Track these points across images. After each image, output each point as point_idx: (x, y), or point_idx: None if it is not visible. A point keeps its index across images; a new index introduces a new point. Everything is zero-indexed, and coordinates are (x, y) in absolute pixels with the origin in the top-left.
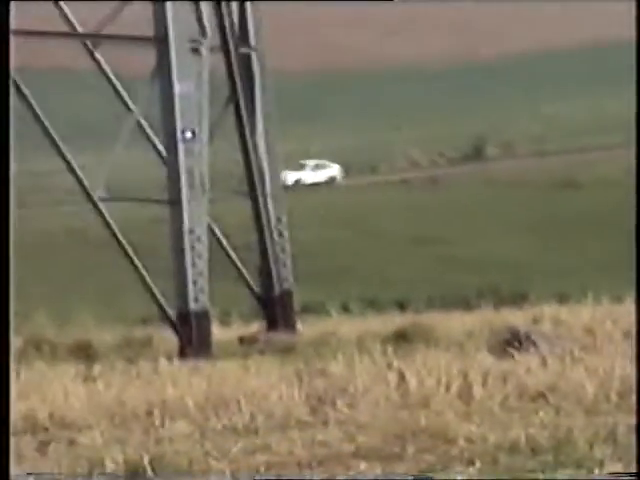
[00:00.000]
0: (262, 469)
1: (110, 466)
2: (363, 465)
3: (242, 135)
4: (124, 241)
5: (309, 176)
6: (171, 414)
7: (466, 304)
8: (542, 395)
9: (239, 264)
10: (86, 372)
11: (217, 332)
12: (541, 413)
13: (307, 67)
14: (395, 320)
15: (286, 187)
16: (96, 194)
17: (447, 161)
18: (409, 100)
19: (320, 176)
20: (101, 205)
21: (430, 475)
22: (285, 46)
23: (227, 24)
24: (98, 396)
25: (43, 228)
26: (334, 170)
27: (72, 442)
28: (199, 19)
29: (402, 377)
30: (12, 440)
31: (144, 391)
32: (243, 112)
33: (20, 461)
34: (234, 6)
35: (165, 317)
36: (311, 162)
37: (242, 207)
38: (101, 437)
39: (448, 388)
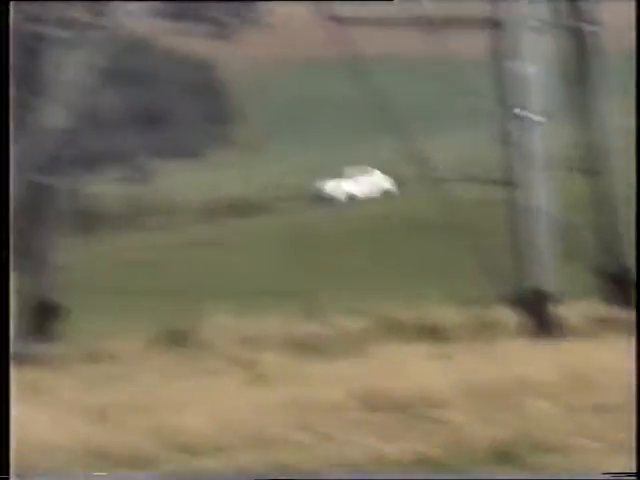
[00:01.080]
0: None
1: (479, 444)
2: None
3: (584, 113)
4: (464, 221)
5: (351, 186)
6: (532, 392)
7: None
8: None
9: (580, 242)
10: (439, 351)
11: (561, 311)
12: None
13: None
14: None
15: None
16: (435, 176)
17: None
18: None
19: (364, 186)
20: (440, 187)
21: None
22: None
23: (565, 2)
24: (455, 375)
25: (379, 212)
26: (379, 178)
27: (437, 420)
28: None
29: None
30: (379, 416)
31: (501, 370)
32: (584, 90)
33: (393, 438)
34: None
35: (512, 297)
36: (350, 169)
37: (580, 185)
38: (465, 415)
39: None
